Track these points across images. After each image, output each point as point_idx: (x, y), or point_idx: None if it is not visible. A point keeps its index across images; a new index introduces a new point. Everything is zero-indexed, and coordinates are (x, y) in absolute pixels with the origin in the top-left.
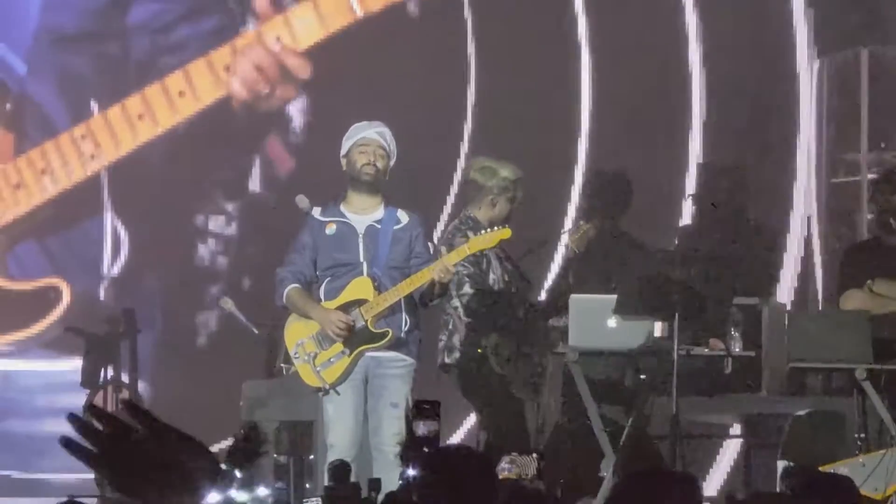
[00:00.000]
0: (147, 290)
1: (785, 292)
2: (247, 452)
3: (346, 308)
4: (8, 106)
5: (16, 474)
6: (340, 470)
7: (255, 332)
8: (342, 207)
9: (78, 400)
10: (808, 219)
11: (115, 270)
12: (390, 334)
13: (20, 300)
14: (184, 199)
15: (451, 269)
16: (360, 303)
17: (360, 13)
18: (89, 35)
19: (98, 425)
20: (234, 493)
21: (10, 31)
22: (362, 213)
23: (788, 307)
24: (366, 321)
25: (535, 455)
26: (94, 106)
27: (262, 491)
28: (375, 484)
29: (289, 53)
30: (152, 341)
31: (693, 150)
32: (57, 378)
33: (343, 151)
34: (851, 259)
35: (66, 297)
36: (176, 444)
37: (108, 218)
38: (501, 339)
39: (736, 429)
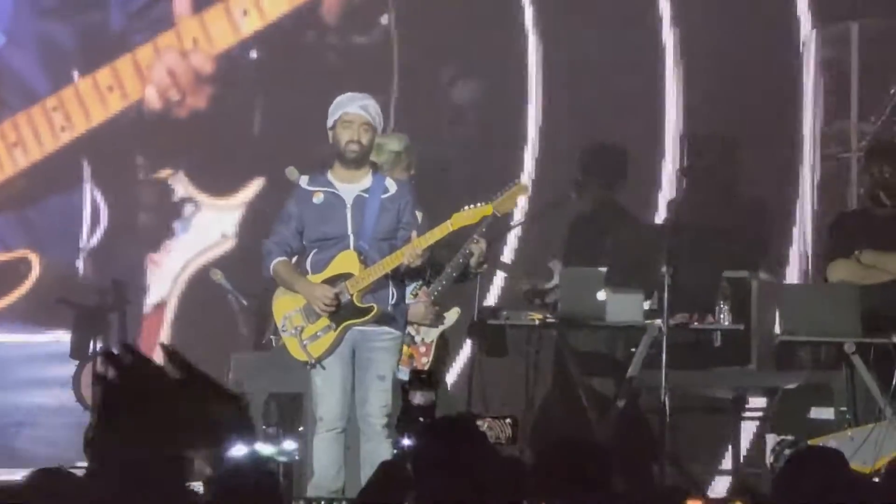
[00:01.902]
0: (127, 262)
1: (794, 270)
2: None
3: (331, 282)
4: None
5: None
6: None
7: (244, 303)
8: (330, 176)
9: (58, 371)
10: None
11: (94, 242)
12: (375, 309)
13: None
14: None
15: (418, 252)
16: (345, 277)
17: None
18: (70, 4)
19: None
20: (260, 447)
21: None
22: (350, 181)
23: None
24: (351, 296)
25: (508, 420)
26: (75, 75)
27: (289, 445)
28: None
29: (200, 57)
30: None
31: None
32: (37, 350)
33: (328, 124)
34: (839, 228)
35: (35, 270)
36: (206, 392)
37: (87, 189)
38: None
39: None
